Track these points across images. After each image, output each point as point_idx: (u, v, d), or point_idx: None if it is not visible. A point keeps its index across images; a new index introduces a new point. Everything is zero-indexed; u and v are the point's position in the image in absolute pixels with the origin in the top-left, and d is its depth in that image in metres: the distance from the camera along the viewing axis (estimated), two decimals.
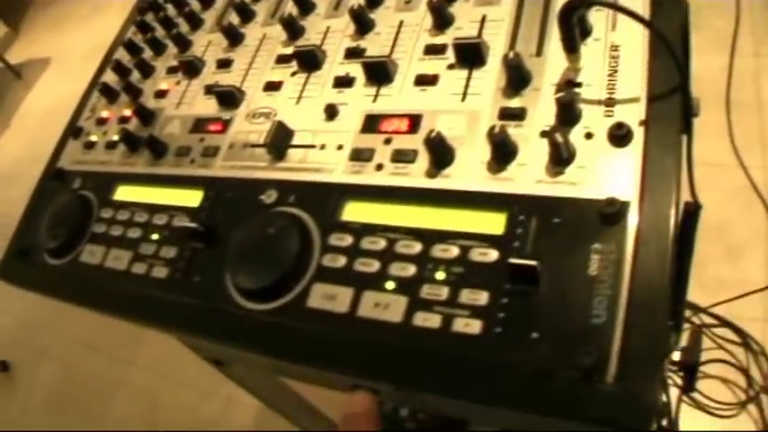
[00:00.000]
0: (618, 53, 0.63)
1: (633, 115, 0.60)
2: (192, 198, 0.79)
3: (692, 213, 0.62)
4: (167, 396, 2.32)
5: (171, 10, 1.04)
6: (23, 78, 4.17)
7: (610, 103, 0.61)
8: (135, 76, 1.00)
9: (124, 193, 0.87)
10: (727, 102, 1.24)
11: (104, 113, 0.99)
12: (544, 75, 0.65)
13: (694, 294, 1.62)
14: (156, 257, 0.77)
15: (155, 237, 0.79)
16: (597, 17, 0.67)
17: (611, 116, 0.60)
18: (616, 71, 0.62)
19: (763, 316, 1.83)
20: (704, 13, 2.08)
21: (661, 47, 0.60)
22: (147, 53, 1.01)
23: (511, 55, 0.63)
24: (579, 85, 0.63)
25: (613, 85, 0.62)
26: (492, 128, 0.60)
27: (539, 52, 0.67)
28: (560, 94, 0.60)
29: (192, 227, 0.74)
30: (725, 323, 1.77)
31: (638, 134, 0.59)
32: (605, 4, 0.62)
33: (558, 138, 0.58)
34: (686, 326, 1.59)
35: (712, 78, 2.07)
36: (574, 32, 0.62)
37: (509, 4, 0.72)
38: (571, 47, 0.63)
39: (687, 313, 1.72)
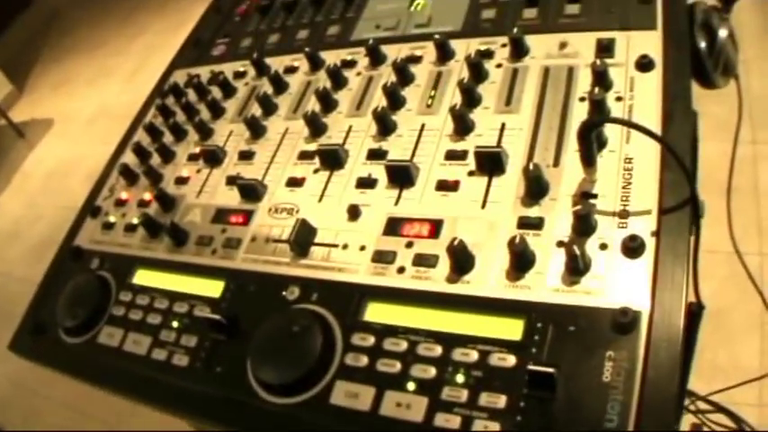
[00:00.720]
0: (631, 165, 0.67)
1: (645, 226, 0.63)
2: (213, 288, 0.80)
3: (695, 314, 0.65)
4: None
5: (192, 95, 1.07)
6: (26, 138, 4.20)
7: (623, 214, 0.64)
8: (155, 160, 1.02)
9: (143, 277, 0.88)
10: (728, 191, 1.28)
11: (124, 195, 1.01)
12: (561, 185, 0.69)
13: (691, 380, 1.63)
14: (176, 345, 0.79)
15: (175, 324, 0.80)
16: (612, 129, 0.71)
17: (624, 227, 0.63)
18: (630, 183, 0.66)
19: (757, 402, 1.84)
20: (703, 100, 2.15)
21: (672, 159, 0.64)
22: (168, 138, 1.04)
23: (531, 167, 0.67)
24: (595, 196, 0.67)
25: (627, 196, 0.65)
26: (513, 238, 0.63)
27: (556, 162, 0.71)
28: (577, 207, 0.63)
29: (214, 318, 0.75)
30: (721, 409, 1.78)
31: (650, 244, 0.62)
32: (622, 121, 0.66)
33: (575, 250, 0.60)
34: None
35: (711, 165, 2.12)
36: (592, 148, 0.65)
37: (528, 114, 0.77)
38: (588, 161, 0.66)
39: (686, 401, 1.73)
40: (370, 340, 0.67)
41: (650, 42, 0.76)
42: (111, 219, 0.98)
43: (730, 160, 1.25)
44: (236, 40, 1.13)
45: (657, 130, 0.69)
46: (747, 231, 1.98)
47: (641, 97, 0.72)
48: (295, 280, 0.75)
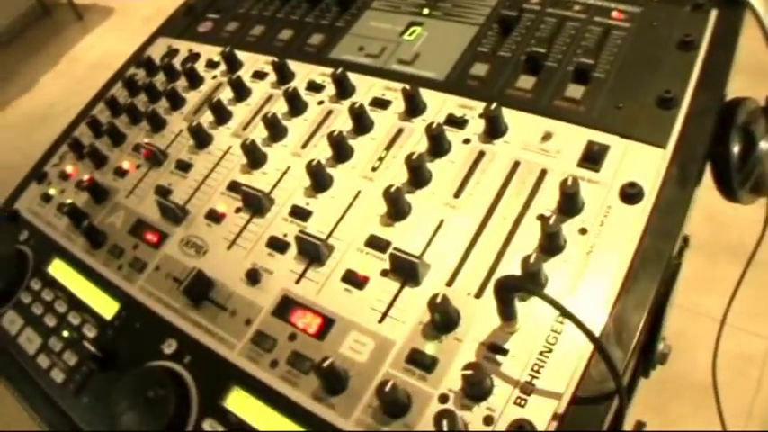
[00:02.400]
0: (558, 337, 0.56)
1: (545, 412, 0.52)
2: (108, 308, 0.76)
3: None
4: None
5: (161, 77, 0.99)
6: (83, 21, 4.17)
7: (526, 388, 0.54)
8: (105, 140, 0.96)
9: (58, 268, 0.84)
10: (749, 261, 1.15)
11: (69, 168, 0.96)
12: (473, 325, 0.59)
13: None
14: (59, 357, 0.76)
15: (65, 334, 0.77)
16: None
17: (521, 406, 0.53)
18: (550, 351, 0.55)
19: None
20: None
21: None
22: (123, 119, 0.97)
23: (438, 299, 0.56)
24: (505, 352, 0.56)
25: (540, 368, 0.54)
26: (383, 383, 0.53)
27: (480, 292, 0.60)
28: (468, 372, 0.53)
29: (90, 350, 0.72)
30: None
31: None
32: (550, 301, 0.54)
33: (445, 425, 0.51)
34: None
35: (744, 229, 1.96)
36: (510, 307, 0.55)
37: (475, 216, 0.66)
38: (505, 317, 0.56)
39: None
40: None
41: (650, 165, 0.63)
42: (51, 191, 0.94)
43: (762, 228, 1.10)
44: (225, 19, 1.03)
45: (615, 287, 0.57)
46: (761, 310, 1.83)
47: (611, 237, 0.60)
48: (176, 333, 0.70)
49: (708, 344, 1.66)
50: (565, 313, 0.51)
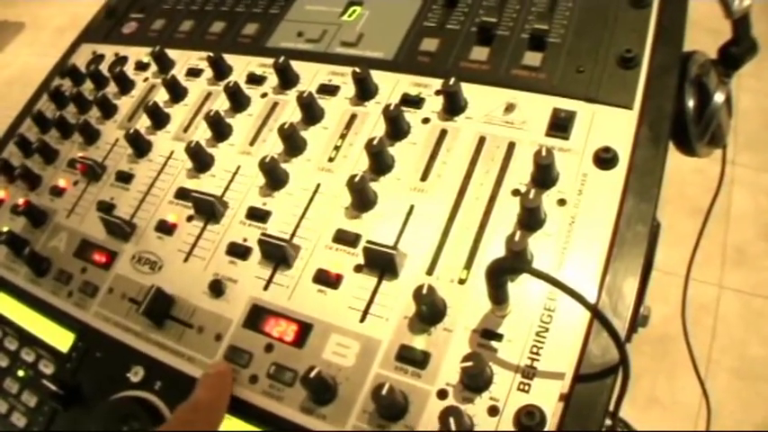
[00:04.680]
0: (552, 315, 0.53)
1: (551, 395, 0.50)
2: (63, 340, 0.70)
3: None
4: None
5: (88, 83, 0.91)
6: None
7: (528, 372, 0.51)
8: (36, 159, 0.88)
9: (1, 302, 0.77)
10: (707, 216, 1.15)
11: (1, 193, 0.88)
12: (462, 312, 0.55)
13: (622, 408, 1.54)
14: (17, 400, 0.71)
15: (21, 374, 0.72)
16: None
17: (525, 392, 0.50)
18: (546, 331, 0.52)
19: None
20: None
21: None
22: (54, 134, 0.90)
23: (424, 290, 0.53)
24: (500, 337, 0.53)
25: (538, 349, 0.52)
26: (380, 387, 0.50)
27: (464, 279, 0.56)
28: (467, 364, 0.49)
29: (51, 389, 0.66)
30: None
31: (554, 416, 0.49)
32: (546, 278, 0.51)
33: (452, 423, 0.47)
34: None
35: (684, 180, 2.00)
36: (502, 291, 0.52)
37: (445, 198, 0.62)
38: (497, 300, 0.53)
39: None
40: None
41: (620, 127, 0.61)
42: None
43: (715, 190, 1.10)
44: (150, 17, 0.97)
45: (601, 256, 0.55)
46: (710, 259, 1.86)
47: (591, 204, 0.58)
48: (142, 358, 0.65)
49: (661, 296, 1.69)
50: (562, 287, 0.49)
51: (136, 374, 0.64)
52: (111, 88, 0.90)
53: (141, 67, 0.91)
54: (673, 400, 1.75)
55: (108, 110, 0.87)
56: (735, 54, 0.76)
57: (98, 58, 0.96)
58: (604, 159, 0.59)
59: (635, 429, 1.58)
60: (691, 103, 0.72)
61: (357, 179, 0.62)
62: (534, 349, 0.52)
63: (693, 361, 1.21)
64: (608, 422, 0.55)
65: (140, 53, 0.92)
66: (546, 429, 0.49)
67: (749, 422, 1.75)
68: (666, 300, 1.85)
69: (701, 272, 1.90)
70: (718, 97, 0.75)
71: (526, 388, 0.51)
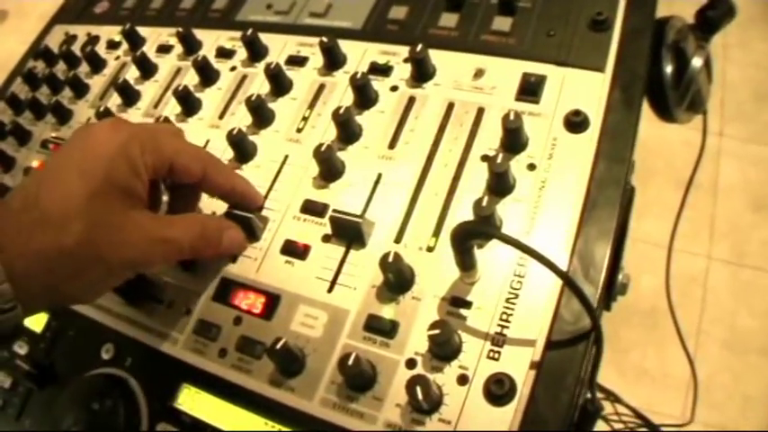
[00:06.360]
0: (522, 281, 0.52)
1: (522, 363, 0.49)
2: (37, 319, 0.69)
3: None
4: None
5: (61, 64, 0.91)
6: None
7: (498, 340, 0.50)
8: (10, 141, 0.87)
9: None
10: (688, 185, 1.14)
11: None
12: (430, 280, 0.54)
13: (612, 380, 1.55)
14: None
15: None
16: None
17: (495, 359, 0.49)
18: (516, 297, 0.51)
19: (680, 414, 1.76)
20: None
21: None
22: (27, 115, 0.89)
23: (390, 257, 0.52)
24: (469, 305, 0.52)
25: (508, 316, 0.51)
26: (346, 357, 0.49)
27: (432, 246, 0.55)
28: (434, 332, 0.48)
29: (23, 368, 0.66)
30: (639, 416, 1.70)
31: (525, 384, 0.49)
32: (513, 242, 0.50)
33: (419, 392, 0.46)
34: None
35: (672, 152, 1.98)
36: (469, 257, 0.51)
37: (413, 165, 0.61)
38: (464, 267, 0.52)
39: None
40: None
41: (591, 90, 0.60)
42: None
43: (698, 152, 1.09)
44: None
45: (573, 221, 0.54)
46: (699, 231, 1.86)
47: (561, 169, 0.57)
48: (113, 335, 0.64)
49: (650, 269, 1.68)
50: (530, 252, 0.48)
51: (107, 352, 0.63)
52: (84, 68, 0.89)
53: (113, 45, 0.90)
54: (663, 372, 1.75)
55: (80, 89, 0.86)
56: (712, 18, 0.75)
57: (71, 39, 0.95)
58: (575, 123, 0.58)
59: (624, 401, 1.58)
60: (669, 69, 0.71)
61: (323, 148, 0.60)
62: (504, 316, 0.51)
63: (679, 332, 1.21)
64: (589, 395, 0.54)
65: (112, 32, 0.91)
66: (516, 397, 0.48)
67: (739, 394, 1.75)
68: (655, 272, 1.85)
69: (689, 243, 1.90)
70: (696, 62, 0.74)
71: (496, 356, 0.50)
